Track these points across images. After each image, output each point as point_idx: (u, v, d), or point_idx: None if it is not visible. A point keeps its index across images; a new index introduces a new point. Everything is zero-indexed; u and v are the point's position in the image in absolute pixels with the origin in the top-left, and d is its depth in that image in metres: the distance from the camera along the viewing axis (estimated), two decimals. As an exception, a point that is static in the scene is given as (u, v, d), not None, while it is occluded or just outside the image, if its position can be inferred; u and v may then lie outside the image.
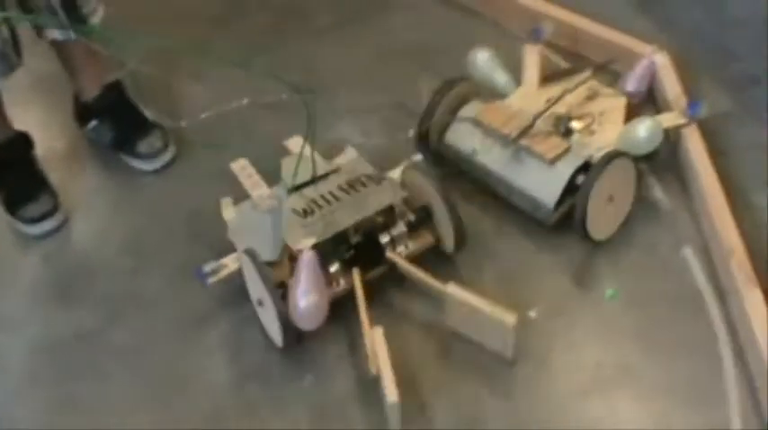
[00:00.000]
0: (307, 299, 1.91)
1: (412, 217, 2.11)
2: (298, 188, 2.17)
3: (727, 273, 2.04)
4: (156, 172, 2.54)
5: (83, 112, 2.58)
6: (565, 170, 2.16)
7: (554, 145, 2.19)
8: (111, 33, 1.94)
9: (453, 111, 2.34)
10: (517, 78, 2.47)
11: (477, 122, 2.29)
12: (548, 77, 2.48)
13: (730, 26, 2.82)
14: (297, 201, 2.13)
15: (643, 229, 2.24)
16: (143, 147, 2.53)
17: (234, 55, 2.76)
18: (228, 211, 2.21)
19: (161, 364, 2.08)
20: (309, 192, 2.17)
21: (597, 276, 2.16)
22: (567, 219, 2.17)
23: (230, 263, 2.10)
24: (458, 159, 2.34)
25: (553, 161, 2.17)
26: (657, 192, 2.32)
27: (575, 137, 2.26)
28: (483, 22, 2.91)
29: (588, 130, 2.29)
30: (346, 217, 2.08)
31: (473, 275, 2.16)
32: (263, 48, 2.87)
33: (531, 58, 2.53)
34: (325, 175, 2.20)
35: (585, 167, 2.16)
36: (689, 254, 2.17)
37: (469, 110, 2.33)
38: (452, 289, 1.97)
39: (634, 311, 2.08)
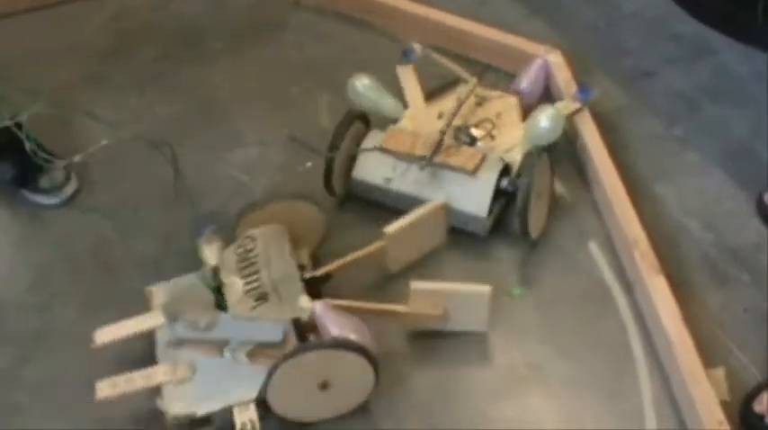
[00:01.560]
0: (361, 331, 1.87)
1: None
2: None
3: (632, 264, 2.05)
4: (59, 206, 2.48)
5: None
6: (489, 177, 2.15)
7: (470, 155, 2.18)
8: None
9: (352, 148, 2.27)
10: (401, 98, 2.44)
11: (384, 151, 2.24)
12: (430, 94, 2.46)
13: (621, 21, 2.85)
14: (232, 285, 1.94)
15: (547, 226, 2.23)
16: (45, 182, 2.46)
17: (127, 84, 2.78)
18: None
19: (76, 397, 2.00)
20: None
21: (503, 275, 2.15)
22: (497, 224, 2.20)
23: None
24: (370, 192, 2.26)
25: (474, 171, 2.15)
26: (559, 188, 2.32)
27: (479, 144, 2.26)
28: (375, 34, 2.89)
29: (490, 136, 2.29)
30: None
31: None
32: (155, 77, 2.83)
33: (408, 79, 2.49)
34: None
35: (505, 171, 2.16)
36: (594, 247, 2.17)
37: (371, 141, 2.27)
38: (416, 284, 1.95)
39: (543, 309, 2.07)
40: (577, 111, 2.37)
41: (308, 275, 1.98)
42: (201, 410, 1.80)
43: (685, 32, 2.74)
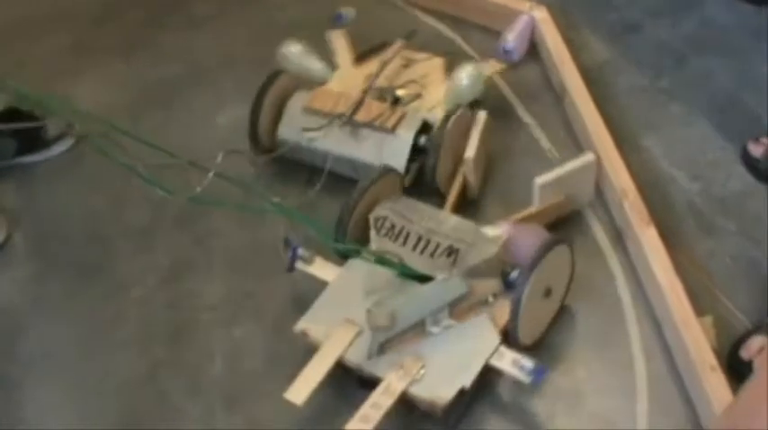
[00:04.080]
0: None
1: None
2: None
3: (622, 215, 2.07)
4: (73, 148, 2.52)
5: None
6: (407, 134, 2.19)
7: (390, 113, 2.22)
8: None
9: (279, 107, 2.32)
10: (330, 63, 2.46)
11: (307, 110, 2.28)
12: (359, 57, 2.47)
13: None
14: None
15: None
16: (52, 130, 2.49)
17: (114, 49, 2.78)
18: None
19: (70, 367, 2.04)
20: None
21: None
22: (416, 182, 2.21)
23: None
24: (294, 151, 2.28)
25: (394, 128, 2.19)
26: (545, 143, 2.34)
27: (404, 104, 2.29)
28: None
29: (415, 96, 2.32)
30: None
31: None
32: (142, 42, 2.83)
33: (339, 43, 2.51)
34: None
35: (424, 129, 2.19)
36: (582, 200, 2.19)
37: (296, 101, 2.31)
38: (539, 180, 2.00)
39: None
40: (502, 71, 2.42)
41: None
42: (466, 381, 1.75)
43: (669, -15, 2.75)
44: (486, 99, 2.40)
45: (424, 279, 1.84)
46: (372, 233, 1.95)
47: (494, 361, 1.76)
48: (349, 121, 2.22)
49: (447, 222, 1.95)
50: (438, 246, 1.89)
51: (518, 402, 1.86)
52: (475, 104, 2.27)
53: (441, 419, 1.77)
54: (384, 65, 2.35)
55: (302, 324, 1.88)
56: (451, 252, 1.87)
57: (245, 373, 1.97)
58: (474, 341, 1.80)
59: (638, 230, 2.00)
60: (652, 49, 2.59)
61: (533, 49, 2.58)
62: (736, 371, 1.80)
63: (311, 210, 2.05)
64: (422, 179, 2.18)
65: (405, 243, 1.92)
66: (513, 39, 2.52)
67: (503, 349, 1.77)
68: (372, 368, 1.79)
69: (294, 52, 2.42)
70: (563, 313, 1.96)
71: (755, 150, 2.20)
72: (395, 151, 2.18)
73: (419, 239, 1.91)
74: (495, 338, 1.79)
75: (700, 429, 1.75)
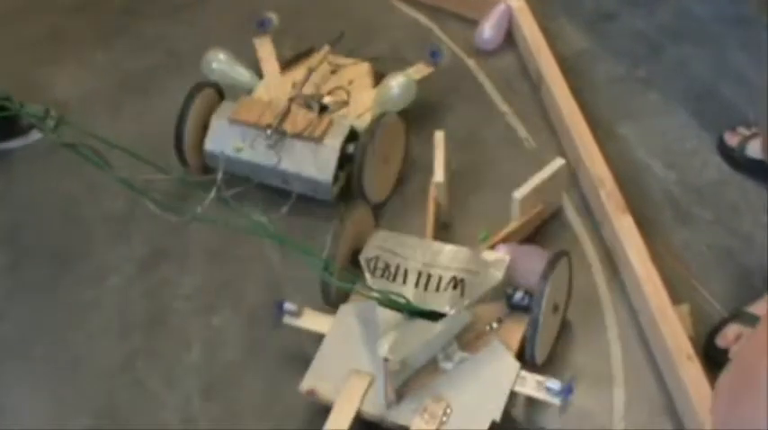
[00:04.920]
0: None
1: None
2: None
3: (598, 203, 2.07)
4: (53, 131, 2.47)
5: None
6: (334, 143, 2.17)
7: (317, 122, 2.20)
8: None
9: (204, 119, 2.28)
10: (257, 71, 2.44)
11: (233, 122, 2.24)
12: (286, 64, 2.44)
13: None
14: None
15: (511, 169, 2.24)
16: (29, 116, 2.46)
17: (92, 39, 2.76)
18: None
19: (46, 355, 2.03)
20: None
21: (469, 220, 2.17)
22: (346, 190, 2.20)
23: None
24: (222, 163, 2.17)
25: (320, 138, 2.17)
26: (522, 132, 2.34)
27: (331, 112, 2.27)
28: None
29: (342, 103, 2.30)
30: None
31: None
32: (120, 31, 2.83)
33: (264, 49, 2.47)
34: None
35: (352, 137, 2.18)
36: (559, 189, 2.19)
37: (221, 112, 2.27)
38: (517, 193, 1.98)
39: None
40: (429, 75, 2.37)
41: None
42: (496, 415, 1.68)
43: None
44: (462, 88, 2.42)
45: (431, 315, 1.78)
46: (368, 276, 1.85)
47: (518, 387, 1.71)
48: (275, 132, 2.19)
49: (442, 252, 1.88)
50: (440, 279, 1.83)
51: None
52: (403, 112, 2.26)
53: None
54: (310, 71, 2.33)
55: (307, 383, 1.78)
56: (457, 283, 1.81)
57: (222, 362, 1.97)
58: (492, 370, 1.74)
59: (614, 219, 2.00)
60: (628, 38, 2.59)
61: (510, 38, 2.58)
62: (713, 359, 1.81)
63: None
64: (350, 187, 2.16)
65: (405, 281, 1.84)
66: (489, 28, 2.52)
67: (523, 373, 1.73)
68: (395, 417, 1.72)
69: (219, 60, 2.39)
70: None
71: (731, 140, 2.21)
72: (323, 160, 2.17)
73: (419, 275, 1.84)
74: (513, 364, 1.74)
75: (676, 417, 1.76)
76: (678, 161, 2.24)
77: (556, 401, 1.68)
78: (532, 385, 1.71)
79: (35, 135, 2.49)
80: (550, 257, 1.79)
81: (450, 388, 1.74)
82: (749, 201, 2.13)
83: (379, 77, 2.35)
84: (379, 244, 1.91)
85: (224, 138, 2.24)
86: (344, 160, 2.17)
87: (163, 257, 2.19)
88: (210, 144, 2.26)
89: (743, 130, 2.21)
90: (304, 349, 1.92)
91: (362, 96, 2.31)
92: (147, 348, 2.02)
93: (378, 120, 2.15)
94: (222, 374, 1.95)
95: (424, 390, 1.74)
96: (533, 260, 1.84)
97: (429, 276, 1.83)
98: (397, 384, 1.72)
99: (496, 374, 1.74)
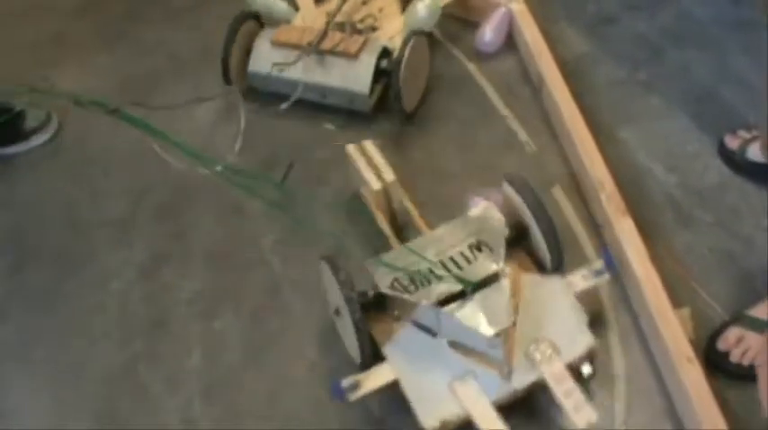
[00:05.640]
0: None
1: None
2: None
3: (599, 206, 2.07)
4: (51, 140, 2.54)
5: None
6: (369, 58, 2.38)
7: (352, 41, 2.41)
8: None
9: (247, 45, 2.48)
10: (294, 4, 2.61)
11: (275, 44, 2.45)
12: None
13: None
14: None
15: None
16: (32, 122, 2.52)
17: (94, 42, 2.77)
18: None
19: (48, 358, 2.04)
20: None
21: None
22: (379, 103, 2.42)
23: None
24: (265, 83, 2.46)
25: (357, 54, 2.38)
26: (522, 136, 2.34)
27: (364, 35, 2.46)
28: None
29: (373, 28, 2.50)
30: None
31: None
32: (122, 35, 2.83)
33: None
34: None
35: (385, 54, 2.39)
36: (559, 192, 2.19)
37: (263, 38, 2.48)
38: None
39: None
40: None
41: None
42: (590, 340, 1.78)
43: (646, -22, 2.75)
44: (463, 91, 2.43)
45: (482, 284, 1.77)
46: (406, 297, 1.77)
47: (579, 290, 1.85)
48: (315, 50, 2.39)
49: (443, 236, 1.87)
50: (462, 253, 1.82)
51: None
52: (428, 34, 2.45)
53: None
54: (343, 2, 2.52)
55: (430, 423, 1.71)
56: (479, 246, 1.82)
57: (223, 365, 1.97)
58: (549, 298, 1.85)
59: (614, 221, 2.00)
60: (629, 42, 2.59)
61: (511, 42, 2.59)
62: (714, 362, 1.81)
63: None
64: (385, 99, 2.37)
65: (438, 277, 1.78)
66: (490, 31, 2.53)
67: (568, 278, 1.87)
68: (522, 381, 1.74)
69: None
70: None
71: (732, 143, 2.21)
72: (359, 74, 2.38)
73: (443, 264, 1.80)
74: (556, 281, 1.87)
75: (677, 420, 1.76)
76: (679, 164, 2.23)
77: (608, 276, 1.87)
78: (583, 279, 1.87)
79: (38, 140, 2.49)
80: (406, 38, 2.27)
81: (531, 333, 1.79)
82: (750, 204, 2.12)
83: (405, 4, 2.54)
84: (383, 269, 1.84)
85: (267, 60, 2.45)
86: (379, 75, 2.39)
87: (164, 261, 2.19)
88: (254, 65, 2.48)
89: (744, 133, 2.21)
90: (305, 352, 1.93)
91: (392, 22, 2.52)
92: (149, 352, 2.02)
93: (409, 38, 2.33)
94: (223, 377, 1.95)
95: (516, 347, 1.77)
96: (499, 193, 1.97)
97: (451, 258, 1.82)
98: (506, 353, 1.73)
99: (555, 299, 1.85)
